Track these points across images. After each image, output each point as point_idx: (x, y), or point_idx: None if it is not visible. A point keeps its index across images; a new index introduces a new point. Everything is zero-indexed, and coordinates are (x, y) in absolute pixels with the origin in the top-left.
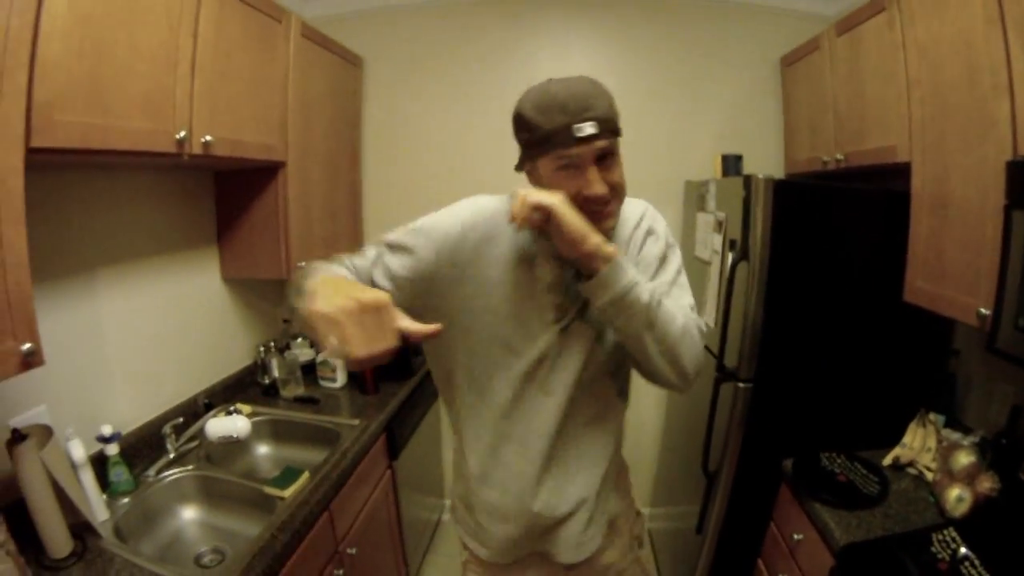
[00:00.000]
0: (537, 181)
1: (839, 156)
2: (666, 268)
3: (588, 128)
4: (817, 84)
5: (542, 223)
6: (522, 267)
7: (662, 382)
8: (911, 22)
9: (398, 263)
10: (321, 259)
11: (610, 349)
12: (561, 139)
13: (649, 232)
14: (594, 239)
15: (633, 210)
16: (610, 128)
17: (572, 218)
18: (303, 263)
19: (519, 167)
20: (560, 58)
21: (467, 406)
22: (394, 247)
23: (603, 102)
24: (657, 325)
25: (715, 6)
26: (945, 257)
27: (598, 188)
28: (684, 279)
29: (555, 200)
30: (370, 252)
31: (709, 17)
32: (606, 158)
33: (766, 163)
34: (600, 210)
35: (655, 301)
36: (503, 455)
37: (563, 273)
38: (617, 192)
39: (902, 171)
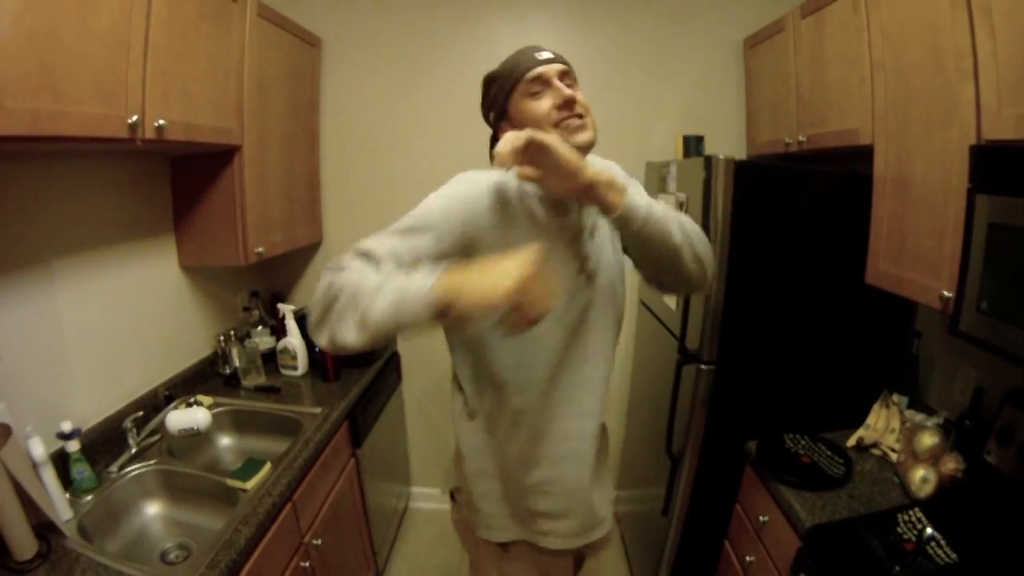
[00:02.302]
0: (510, 126)
1: (801, 138)
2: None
3: (547, 53)
4: (780, 66)
5: (533, 162)
6: (536, 226)
7: (691, 284)
8: (876, 5)
9: (428, 249)
10: (333, 268)
11: (622, 301)
12: (526, 63)
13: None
14: (589, 168)
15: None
16: (565, 61)
17: (562, 146)
18: (260, 248)
19: (492, 139)
20: (520, 37)
21: (504, 385)
22: (412, 235)
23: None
24: (685, 226)
25: None
26: (907, 240)
27: (567, 92)
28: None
29: (551, 139)
30: (387, 248)
31: None
32: (567, 76)
33: (728, 144)
34: (577, 119)
35: (669, 208)
36: (552, 430)
37: (572, 219)
38: (586, 107)
39: (865, 153)
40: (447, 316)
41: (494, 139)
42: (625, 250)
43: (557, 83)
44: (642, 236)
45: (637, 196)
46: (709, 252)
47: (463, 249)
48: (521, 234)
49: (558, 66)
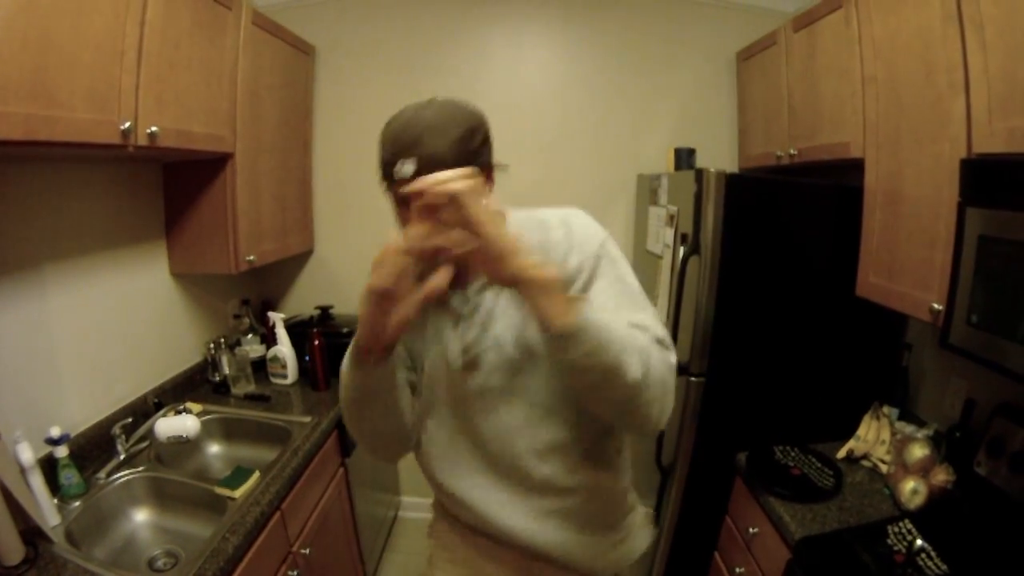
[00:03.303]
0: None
1: (792, 151)
2: (599, 286)
3: (407, 167)
4: (773, 79)
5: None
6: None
7: (632, 428)
8: (868, 19)
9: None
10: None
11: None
12: (386, 174)
13: (567, 255)
14: (521, 258)
15: (554, 234)
16: (437, 168)
17: (493, 226)
18: (251, 257)
19: None
20: (513, 47)
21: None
22: None
23: (441, 138)
24: (650, 360)
25: None
26: (898, 253)
27: (418, 230)
28: (632, 285)
29: (476, 209)
30: None
31: (666, 9)
32: (435, 210)
33: (720, 157)
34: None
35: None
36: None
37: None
38: (454, 244)
39: (856, 167)
40: (369, 355)
41: None
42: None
43: (415, 218)
44: (578, 366)
45: (591, 315)
46: (671, 393)
47: None
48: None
49: (415, 195)
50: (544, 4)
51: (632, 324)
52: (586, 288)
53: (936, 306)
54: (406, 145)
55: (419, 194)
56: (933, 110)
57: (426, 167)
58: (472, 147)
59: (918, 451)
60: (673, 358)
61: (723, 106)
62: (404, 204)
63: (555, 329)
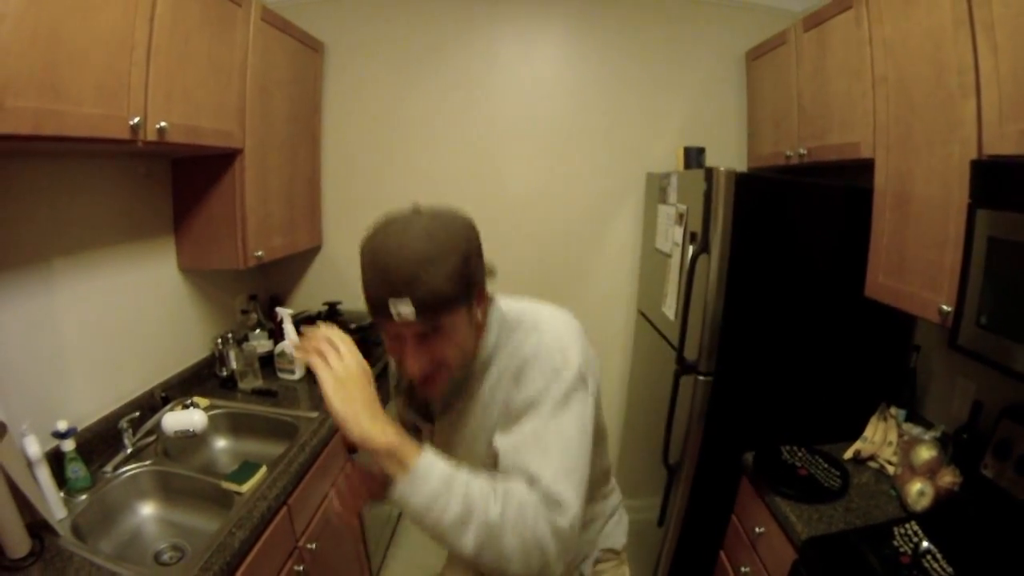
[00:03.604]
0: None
1: (802, 151)
2: (534, 415)
3: (404, 309)
4: (782, 79)
5: None
6: None
7: None
8: (879, 20)
9: None
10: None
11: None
12: (380, 312)
13: (518, 374)
14: (357, 428)
15: (520, 343)
16: (433, 309)
17: (335, 398)
18: (260, 252)
19: None
20: (522, 46)
21: None
22: None
23: (433, 275)
24: (499, 546)
25: None
26: (907, 253)
27: (413, 368)
28: (560, 427)
29: (322, 374)
30: None
31: (675, 9)
32: (433, 334)
33: (729, 156)
34: (423, 382)
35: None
36: None
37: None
38: (447, 363)
39: (865, 167)
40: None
41: None
42: None
43: (408, 354)
44: (413, 519)
45: (420, 482)
46: (548, 550)
47: None
48: None
49: (415, 329)
50: (553, 3)
51: (522, 478)
52: (516, 416)
53: (945, 307)
54: (400, 284)
55: (420, 330)
56: (943, 111)
57: (424, 308)
58: (468, 273)
59: (925, 453)
60: (563, 520)
61: (732, 105)
62: (397, 339)
63: (393, 488)
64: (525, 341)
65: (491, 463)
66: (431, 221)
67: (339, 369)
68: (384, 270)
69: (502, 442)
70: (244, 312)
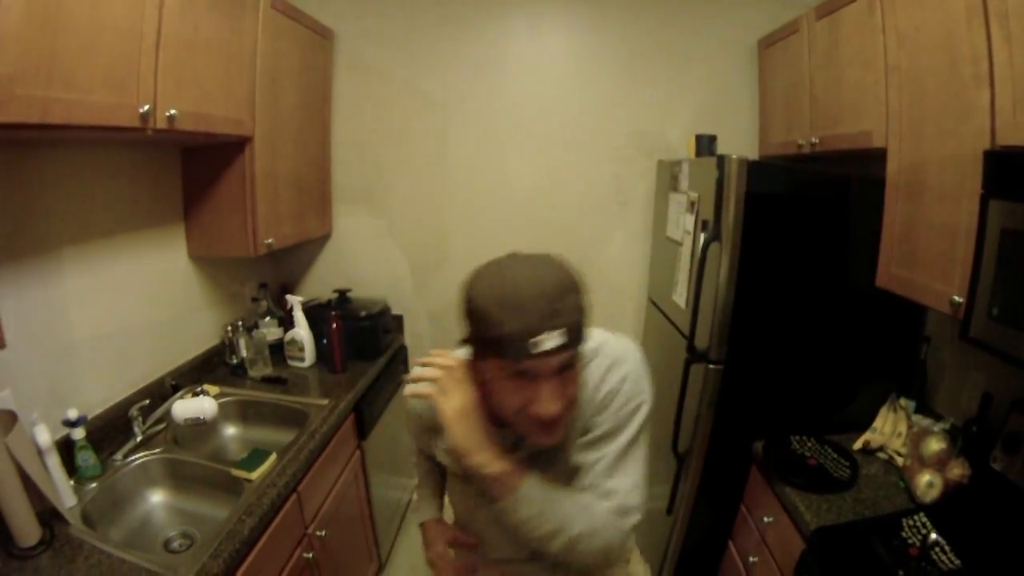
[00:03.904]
0: (479, 371)
1: (814, 140)
2: (615, 439)
3: (555, 339)
4: (794, 67)
5: None
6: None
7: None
8: (892, 8)
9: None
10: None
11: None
12: (519, 348)
13: (605, 403)
14: (477, 457)
15: (603, 373)
16: (578, 337)
17: (457, 430)
18: (270, 240)
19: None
20: (533, 33)
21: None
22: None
23: (573, 301)
24: (578, 546)
25: None
26: (919, 244)
27: (551, 408)
28: (635, 450)
29: (445, 408)
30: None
31: None
32: (567, 369)
33: (741, 145)
34: (546, 427)
35: (560, 534)
36: None
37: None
38: (574, 401)
39: (877, 156)
40: None
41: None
42: None
43: (546, 391)
44: (513, 531)
45: (523, 503)
46: (613, 553)
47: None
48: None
49: (560, 359)
50: None
51: (601, 492)
52: (600, 438)
53: (957, 298)
54: (548, 313)
55: (566, 361)
56: (957, 101)
57: (571, 336)
58: (585, 309)
59: (934, 445)
60: (629, 523)
61: (744, 94)
62: (526, 380)
63: (499, 500)
64: (611, 372)
65: (568, 473)
66: (544, 256)
67: (458, 403)
68: (524, 302)
69: (586, 458)
70: (254, 300)
